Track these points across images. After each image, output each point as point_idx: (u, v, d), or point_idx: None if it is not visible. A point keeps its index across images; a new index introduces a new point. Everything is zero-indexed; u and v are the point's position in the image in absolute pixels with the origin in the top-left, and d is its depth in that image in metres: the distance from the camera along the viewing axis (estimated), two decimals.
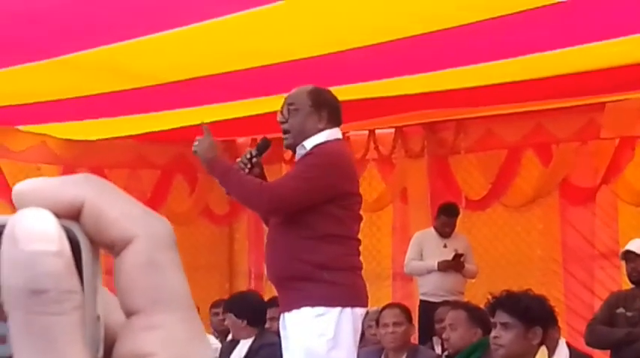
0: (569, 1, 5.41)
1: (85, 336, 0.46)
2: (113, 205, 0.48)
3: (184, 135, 9.62)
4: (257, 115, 8.08)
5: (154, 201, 10.31)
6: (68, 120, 8.64)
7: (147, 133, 9.48)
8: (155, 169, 10.75)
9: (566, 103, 8.79)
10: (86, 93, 7.31)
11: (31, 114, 8.24)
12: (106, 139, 9.69)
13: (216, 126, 9.04)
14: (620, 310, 6.41)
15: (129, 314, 0.48)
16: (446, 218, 8.99)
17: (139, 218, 0.48)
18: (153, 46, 6.10)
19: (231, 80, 6.94)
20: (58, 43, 6.01)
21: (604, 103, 8.84)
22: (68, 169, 10.21)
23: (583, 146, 9.32)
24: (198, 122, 8.61)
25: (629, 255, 6.54)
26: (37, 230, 0.46)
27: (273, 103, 6.72)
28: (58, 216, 0.47)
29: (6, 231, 0.46)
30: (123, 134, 9.55)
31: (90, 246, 0.48)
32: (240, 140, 11.11)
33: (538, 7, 5.42)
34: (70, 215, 0.48)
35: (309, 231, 4.61)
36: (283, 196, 4.56)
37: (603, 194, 9.12)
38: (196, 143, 4.70)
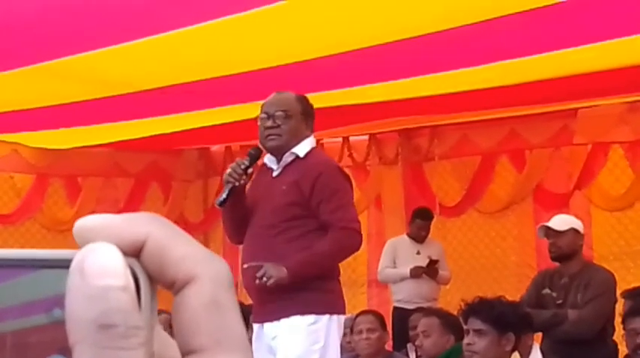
0: (543, 9, 5.43)
1: None
2: (176, 245, 0.49)
3: (158, 143, 9.63)
4: (231, 123, 8.07)
5: (128, 209, 10.27)
6: (41, 128, 8.59)
7: (121, 141, 9.44)
8: (129, 177, 10.72)
9: (540, 109, 8.82)
10: (59, 102, 7.27)
11: (3, 123, 8.18)
12: (80, 148, 9.64)
13: (191, 134, 9.06)
14: (546, 290, 6.41)
15: (188, 352, 0.49)
16: (421, 221, 9.01)
17: (201, 258, 0.49)
18: (126, 54, 6.08)
19: (204, 88, 6.93)
20: (30, 52, 5.98)
21: (577, 109, 8.88)
22: (42, 178, 10.17)
23: (557, 152, 9.36)
24: (172, 130, 8.64)
25: (549, 232, 6.53)
26: (106, 264, 0.46)
27: (246, 111, 6.72)
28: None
29: (73, 265, 0.47)
30: (97, 142, 9.51)
31: (149, 283, 0.48)
32: (214, 148, 11.09)
33: (512, 14, 5.43)
34: (132, 252, 0.48)
35: (306, 242, 4.62)
36: (357, 227, 4.78)
37: (577, 199, 9.15)
38: (267, 280, 4.59)
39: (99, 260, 0.46)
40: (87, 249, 0.47)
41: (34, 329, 0.48)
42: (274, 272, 4.57)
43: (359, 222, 4.81)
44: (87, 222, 0.49)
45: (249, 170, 4.69)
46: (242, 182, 4.66)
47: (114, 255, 0.47)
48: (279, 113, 4.72)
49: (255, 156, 4.81)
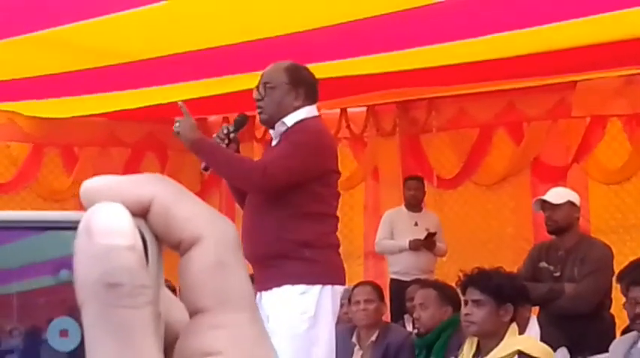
0: None
1: (156, 331, 0.46)
2: (182, 205, 0.49)
3: (155, 113, 9.60)
4: (229, 93, 8.04)
5: None
6: (37, 98, 8.57)
7: (117, 111, 9.41)
8: (126, 147, 10.70)
9: (538, 82, 8.81)
10: (55, 71, 7.25)
11: None
12: (76, 117, 9.62)
13: (188, 104, 9.01)
14: (543, 264, 6.41)
15: (194, 312, 0.49)
16: (412, 181, 9.08)
17: (207, 219, 0.49)
18: (124, 23, 6.06)
19: (202, 58, 6.90)
20: (25, 20, 5.95)
21: (575, 82, 8.87)
22: (38, 148, 10.14)
23: (554, 125, 9.35)
24: (168, 100, 8.61)
25: (545, 205, 6.53)
26: (113, 223, 0.46)
27: (245, 81, 6.69)
28: None
29: (81, 225, 0.47)
30: (93, 112, 9.48)
31: (156, 243, 0.48)
32: (212, 118, 11.07)
33: None
34: (138, 212, 0.48)
35: (292, 209, 4.61)
36: (274, 175, 4.53)
37: (574, 172, 9.16)
38: (177, 124, 4.64)
39: (106, 219, 0.46)
40: (94, 208, 0.47)
41: (41, 291, 0.48)
42: (186, 129, 4.63)
43: (279, 170, 4.54)
44: (93, 183, 0.49)
45: (233, 135, 4.70)
46: (224, 146, 4.68)
47: (121, 215, 0.47)
48: (262, 84, 4.71)
49: (241, 122, 4.85)
